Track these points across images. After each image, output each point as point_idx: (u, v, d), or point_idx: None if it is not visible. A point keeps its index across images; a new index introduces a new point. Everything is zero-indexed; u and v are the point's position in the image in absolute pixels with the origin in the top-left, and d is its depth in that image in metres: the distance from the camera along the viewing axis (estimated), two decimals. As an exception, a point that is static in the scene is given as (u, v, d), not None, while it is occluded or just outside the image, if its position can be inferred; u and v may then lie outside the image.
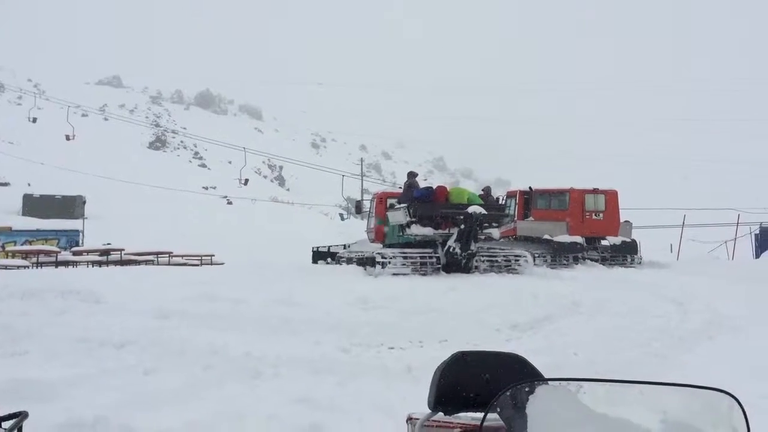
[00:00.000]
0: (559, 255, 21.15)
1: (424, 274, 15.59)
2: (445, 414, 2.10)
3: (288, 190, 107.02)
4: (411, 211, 16.13)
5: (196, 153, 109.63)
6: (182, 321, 8.82)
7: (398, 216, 16.73)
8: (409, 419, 2.31)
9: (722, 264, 24.31)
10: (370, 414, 5.04)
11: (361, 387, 5.94)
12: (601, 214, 22.50)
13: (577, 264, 20.98)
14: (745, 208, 33.42)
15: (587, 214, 22.39)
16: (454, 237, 16.19)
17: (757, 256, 31.91)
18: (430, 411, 2.10)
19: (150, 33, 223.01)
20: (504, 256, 17.40)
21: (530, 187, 24.14)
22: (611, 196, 22.73)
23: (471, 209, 15.73)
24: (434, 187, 17.53)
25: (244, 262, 21.45)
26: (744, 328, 8.82)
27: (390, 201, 19.10)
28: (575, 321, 10.10)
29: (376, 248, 17.79)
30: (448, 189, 17.51)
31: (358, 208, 22.84)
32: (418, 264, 15.94)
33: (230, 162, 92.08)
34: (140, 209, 50.16)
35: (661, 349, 7.78)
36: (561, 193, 23.10)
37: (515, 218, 23.98)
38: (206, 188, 79.95)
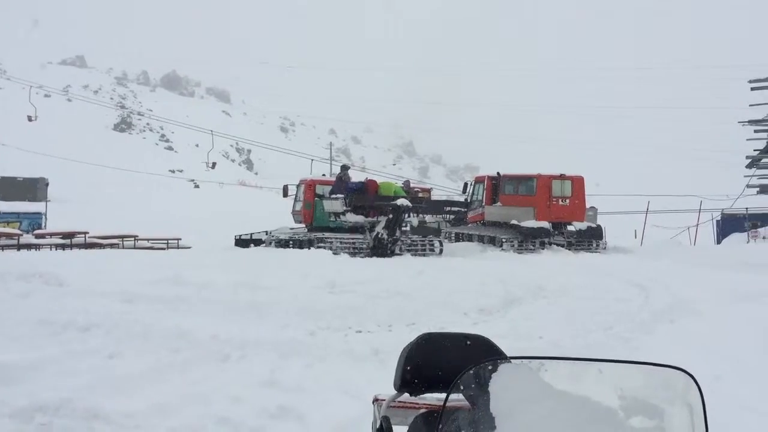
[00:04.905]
0: (526, 240, 21.40)
1: (354, 255, 17.78)
2: (410, 395, 2.12)
3: (256, 173, 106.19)
4: (347, 200, 18.64)
5: (163, 135, 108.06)
6: (148, 304, 8.73)
7: (335, 205, 19.06)
8: (375, 400, 2.34)
9: (684, 249, 24.76)
10: (336, 396, 5.07)
11: (329, 370, 5.96)
12: (567, 200, 22.76)
13: (543, 249, 21.26)
14: (708, 195, 34.06)
15: (554, 199, 22.63)
16: (382, 224, 18.83)
17: (719, 241, 32.62)
18: (395, 392, 2.12)
19: (115, 12, 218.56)
20: (421, 242, 20.04)
21: (498, 173, 24.34)
22: (578, 182, 22.99)
23: (399, 201, 18.45)
24: (365, 180, 20.23)
25: (211, 245, 21.32)
26: (704, 312, 9.02)
27: (318, 188, 21.56)
28: (541, 305, 10.23)
29: (303, 232, 20.95)
30: (377, 183, 20.05)
31: (285, 192, 23.64)
32: (351, 247, 18.60)
33: (197, 145, 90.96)
34: (105, 192, 49.44)
35: (623, 332, 7.92)
36: (528, 178, 23.30)
37: (483, 203, 24.21)
38: (173, 171, 79.09)
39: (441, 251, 19.83)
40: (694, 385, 1.40)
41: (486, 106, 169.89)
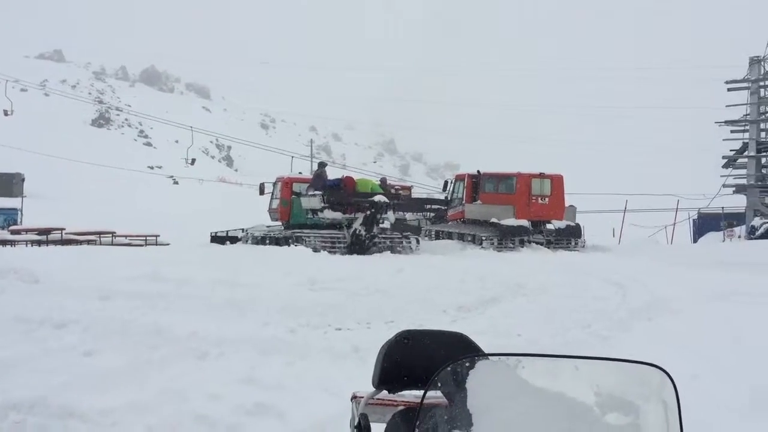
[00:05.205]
0: (506, 238, 21.50)
1: (333, 251, 17.99)
2: (389, 392, 2.12)
3: (236, 170, 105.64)
4: (325, 197, 18.59)
5: (142, 131, 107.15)
6: (125, 301, 8.65)
7: (313, 201, 19.02)
8: (354, 397, 2.34)
9: (661, 248, 25.01)
10: (315, 393, 5.06)
11: (308, 367, 5.94)
12: (546, 199, 22.90)
13: (522, 247, 21.38)
14: (685, 195, 34.44)
15: (533, 198, 22.77)
16: (360, 221, 18.98)
17: (695, 240, 33.02)
18: (374, 389, 2.12)
19: (93, 6, 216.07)
20: (398, 238, 20.17)
21: (478, 171, 24.43)
22: (557, 181, 23.14)
23: (376, 198, 18.72)
24: (343, 177, 20.34)
25: (190, 242, 21.21)
26: (681, 310, 9.09)
27: (295, 186, 21.66)
28: (520, 303, 10.27)
29: (279, 229, 21.13)
30: (355, 180, 20.19)
31: (261, 190, 23.89)
32: (329, 243, 18.64)
33: (177, 141, 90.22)
34: (82, 188, 48.94)
35: (601, 330, 7.96)
36: (508, 177, 23.43)
37: (463, 201, 24.29)
38: (152, 168, 78.53)
39: (418, 241, 20.33)
40: (669, 382, 1.41)
41: (486, 106, 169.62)
